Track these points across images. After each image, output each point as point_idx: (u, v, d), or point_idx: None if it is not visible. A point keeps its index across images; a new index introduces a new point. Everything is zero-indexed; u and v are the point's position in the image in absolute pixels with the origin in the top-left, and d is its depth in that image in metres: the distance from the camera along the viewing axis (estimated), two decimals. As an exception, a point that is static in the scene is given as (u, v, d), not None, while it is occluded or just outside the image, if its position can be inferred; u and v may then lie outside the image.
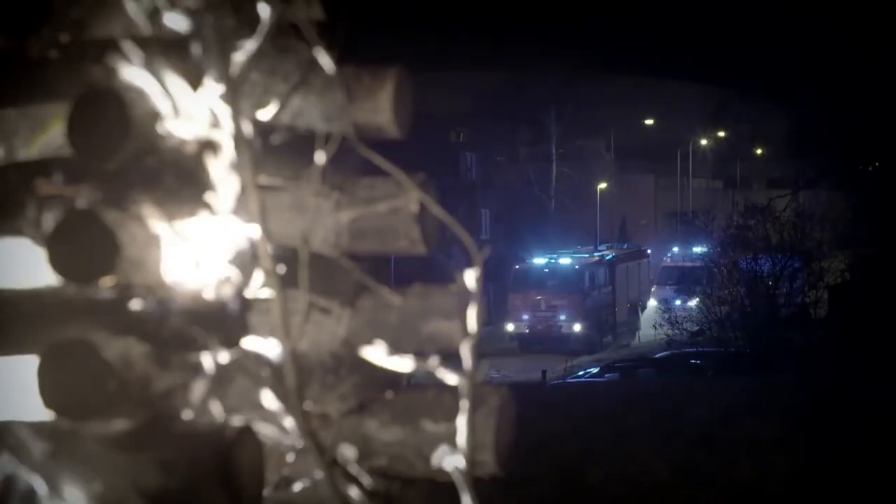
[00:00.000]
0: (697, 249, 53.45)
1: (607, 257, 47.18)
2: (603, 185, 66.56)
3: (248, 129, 2.24)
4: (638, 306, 47.95)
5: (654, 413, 15.91)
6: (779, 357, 27.46)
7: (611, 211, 67.21)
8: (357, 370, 2.43)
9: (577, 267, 43.80)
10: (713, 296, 33.27)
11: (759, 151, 71.83)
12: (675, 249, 57.00)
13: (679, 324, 34.62)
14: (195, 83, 2.29)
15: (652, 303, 48.73)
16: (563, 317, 41.63)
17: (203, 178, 2.34)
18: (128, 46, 2.29)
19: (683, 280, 50.81)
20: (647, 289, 50.06)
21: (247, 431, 2.25)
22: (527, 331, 42.48)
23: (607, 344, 43.41)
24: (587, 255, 46.69)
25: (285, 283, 2.22)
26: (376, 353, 2.31)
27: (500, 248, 44.50)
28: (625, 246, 52.97)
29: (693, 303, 47.37)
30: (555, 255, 45.56)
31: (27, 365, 2.20)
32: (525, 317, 42.35)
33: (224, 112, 2.25)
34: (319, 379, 2.42)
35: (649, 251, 53.65)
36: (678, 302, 48.50)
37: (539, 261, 44.77)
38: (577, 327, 41.60)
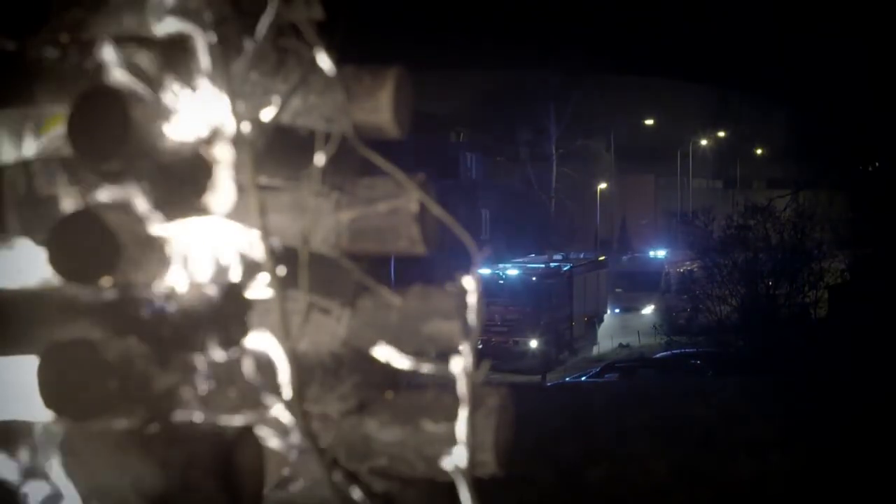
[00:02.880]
0: (661, 254, 52.39)
1: (564, 267, 42.99)
2: (603, 185, 66.56)
3: (247, 129, 2.24)
4: (595, 320, 44.68)
5: (654, 413, 15.92)
6: (779, 357, 27.46)
7: (611, 211, 67.22)
8: (357, 370, 2.43)
9: (533, 278, 40.16)
10: (712, 296, 33.23)
11: (759, 151, 71.85)
12: (634, 254, 55.02)
13: (682, 324, 34.61)
14: (195, 83, 2.29)
15: (609, 313, 46.11)
16: (518, 331, 37.86)
17: (203, 178, 2.34)
18: (128, 46, 2.29)
19: (637, 286, 48.52)
20: (605, 301, 46.66)
21: (247, 431, 2.26)
22: (479, 346, 39.55)
23: (563, 360, 39.96)
24: (543, 265, 42.85)
25: (285, 283, 2.22)
26: (382, 352, 2.31)
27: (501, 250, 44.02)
28: (581, 255, 49.00)
29: (648, 310, 46.46)
30: (508, 265, 41.68)
31: (27, 365, 2.20)
32: None
33: (224, 112, 2.25)
34: (319, 379, 2.42)
35: (607, 260, 49.81)
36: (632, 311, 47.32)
37: (492, 271, 40.33)
38: (533, 343, 38.08)
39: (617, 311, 47.15)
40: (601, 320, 45.21)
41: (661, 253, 52.72)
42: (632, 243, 61.94)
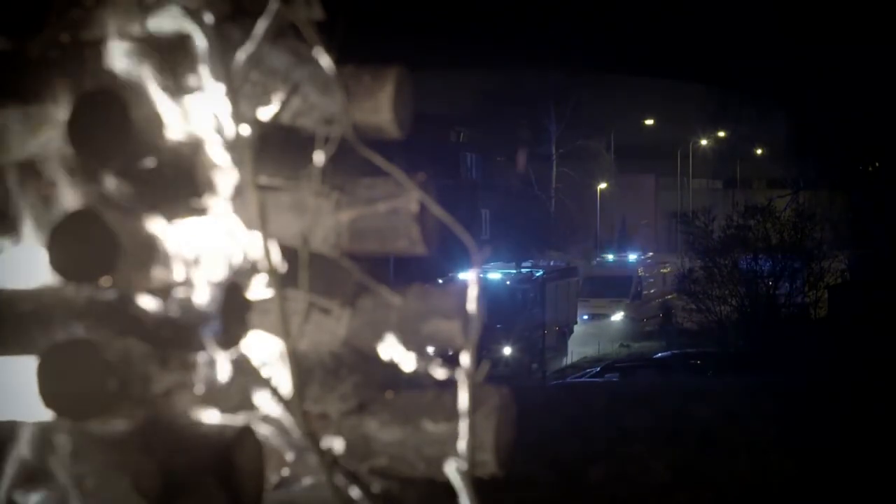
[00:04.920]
0: (632, 257, 51.11)
1: (536, 274, 41.04)
2: (603, 185, 66.55)
3: (247, 129, 2.24)
4: (566, 329, 42.61)
5: (654, 413, 15.91)
6: (779, 357, 27.47)
7: (611, 211, 67.22)
8: (357, 370, 2.43)
9: (507, 283, 38.43)
10: (712, 296, 33.24)
11: (759, 151, 71.84)
12: (610, 257, 51.72)
13: (679, 324, 34.59)
14: (195, 83, 2.29)
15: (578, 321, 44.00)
16: (491, 339, 35.10)
17: (203, 178, 2.34)
18: (128, 47, 2.29)
19: (609, 291, 46.30)
20: (575, 310, 44.39)
21: (247, 431, 2.25)
22: (450, 353, 36.47)
23: (535, 372, 37.27)
24: (514, 272, 40.47)
25: (285, 283, 2.22)
26: (385, 350, 2.31)
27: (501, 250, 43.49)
28: (551, 262, 46.83)
29: (618, 317, 45.43)
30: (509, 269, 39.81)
31: (27, 365, 2.20)
32: None
33: (224, 112, 2.25)
34: (319, 379, 2.42)
35: (578, 269, 47.55)
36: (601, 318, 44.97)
37: (465, 275, 38.00)
38: (506, 350, 36.09)
39: (585, 317, 45.15)
40: (571, 331, 43.37)
41: (632, 256, 51.27)
42: (608, 245, 60.60)
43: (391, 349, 2.33)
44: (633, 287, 46.85)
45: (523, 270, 41.14)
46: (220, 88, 2.25)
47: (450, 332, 2.37)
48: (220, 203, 2.34)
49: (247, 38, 2.27)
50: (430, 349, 2.40)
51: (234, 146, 2.26)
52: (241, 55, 2.27)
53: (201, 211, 2.34)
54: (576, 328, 43.40)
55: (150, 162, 2.28)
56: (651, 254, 53.73)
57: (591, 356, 40.82)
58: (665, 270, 50.22)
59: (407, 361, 2.26)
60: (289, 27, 2.29)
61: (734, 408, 15.85)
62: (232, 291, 2.28)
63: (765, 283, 32.84)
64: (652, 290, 48.20)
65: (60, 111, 2.27)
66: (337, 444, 2.40)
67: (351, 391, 2.42)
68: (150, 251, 2.26)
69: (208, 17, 2.25)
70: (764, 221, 34.16)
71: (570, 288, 44.03)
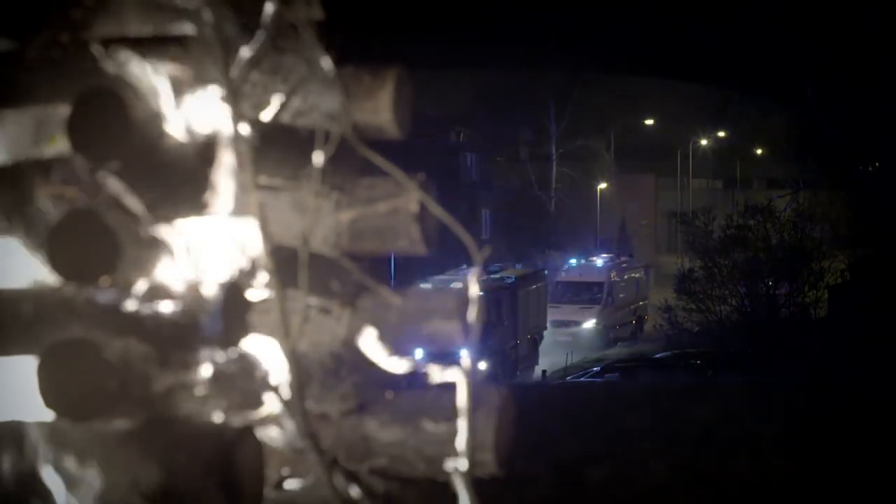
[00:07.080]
0: (598, 262, 50.01)
1: (508, 280, 38.33)
2: (603, 185, 66.61)
3: (247, 129, 2.24)
4: (537, 337, 40.61)
5: (654, 413, 15.89)
6: (779, 357, 27.48)
7: (611, 211, 67.26)
8: (357, 370, 2.43)
9: (480, 293, 36.34)
10: (712, 296, 33.23)
11: (759, 151, 71.88)
12: (573, 262, 49.60)
13: (680, 324, 34.55)
14: (195, 83, 2.29)
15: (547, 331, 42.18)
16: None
17: (203, 178, 2.34)
18: (128, 47, 2.29)
19: (580, 297, 45.07)
20: (545, 316, 42.19)
21: (247, 431, 2.26)
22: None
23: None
24: (484, 280, 37.33)
25: (285, 283, 2.22)
26: (376, 350, 2.31)
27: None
28: (518, 265, 43.87)
29: (590, 324, 44.60)
30: (445, 277, 35.42)
31: (27, 365, 2.20)
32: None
33: (224, 112, 2.25)
34: (319, 379, 2.42)
35: (547, 272, 45.21)
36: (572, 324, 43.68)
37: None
38: (481, 366, 33.96)
39: (556, 324, 43.49)
40: (542, 337, 41.66)
41: (603, 260, 50.13)
42: (589, 247, 59.52)
43: (384, 349, 2.33)
44: (606, 293, 45.95)
45: (493, 277, 38.23)
46: (221, 89, 2.25)
47: (450, 333, 2.37)
48: (220, 203, 2.34)
49: (247, 38, 2.27)
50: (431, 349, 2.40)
51: (233, 146, 2.26)
52: (242, 55, 2.27)
53: (201, 211, 2.34)
54: (545, 334, 41.84)
55: (150, 162, 2.28)
56: (626, 258, 52.63)
57: (590, 357, 40.69)
58: (637, 275, 49.76)
59: (404, 363, 2.26)
60: (288, 27, 2.29)
61: (734, 408, 15.83)
62: (232, 291, 2.28)
63: (765, 283, 32.85)
64: (621, 296, 47.34)
65: (60, 111, 2.27)
66: (337, 444, 2.40)
67: (351, 391, 2.42)
68: (150, 251, 2.26)
69: (208, 17, 2.25)
70: (764, 221, 34.16)
71: (541, 292, 42.18)
